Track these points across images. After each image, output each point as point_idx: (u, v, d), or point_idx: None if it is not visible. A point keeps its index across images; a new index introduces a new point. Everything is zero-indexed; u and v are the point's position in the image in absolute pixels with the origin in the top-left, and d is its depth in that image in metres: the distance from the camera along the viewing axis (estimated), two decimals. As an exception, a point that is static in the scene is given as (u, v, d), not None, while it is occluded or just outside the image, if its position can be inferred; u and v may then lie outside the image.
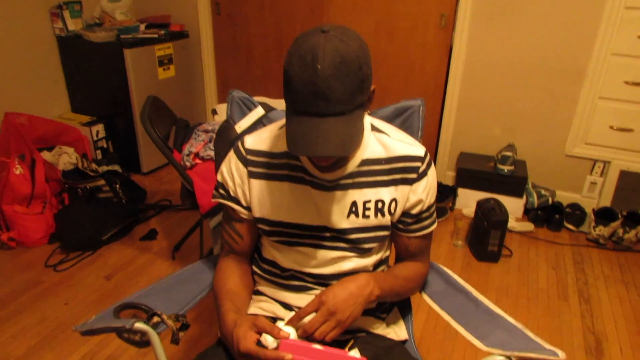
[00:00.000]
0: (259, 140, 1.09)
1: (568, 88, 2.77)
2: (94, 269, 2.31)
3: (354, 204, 1.05)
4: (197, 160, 1.89)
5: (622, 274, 2.38)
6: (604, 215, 2.68)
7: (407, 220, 1.10)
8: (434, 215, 1.15)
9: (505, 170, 2.78)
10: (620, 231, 2.60)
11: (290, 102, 0.87)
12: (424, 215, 1.11)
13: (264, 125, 1.31)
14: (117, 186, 2.63)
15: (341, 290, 0.97)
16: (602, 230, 2.61)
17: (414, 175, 1.05)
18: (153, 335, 0.99)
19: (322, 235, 1.07)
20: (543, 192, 2.86)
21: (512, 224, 2.72)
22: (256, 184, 1.08)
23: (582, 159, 2.88)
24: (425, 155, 1.07)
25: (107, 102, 3.13)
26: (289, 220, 1.07)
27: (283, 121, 1.11)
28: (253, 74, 3.50)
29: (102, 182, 2.61)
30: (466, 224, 2.70)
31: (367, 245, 1.08)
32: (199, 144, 1.89)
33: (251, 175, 1.08)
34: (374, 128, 1.07)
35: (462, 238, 2.59)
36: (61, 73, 3.17)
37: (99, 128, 3.09)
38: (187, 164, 1.86)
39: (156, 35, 3.07)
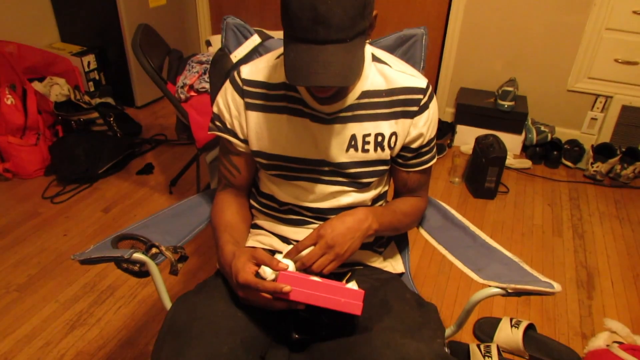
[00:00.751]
0: (255, 70, 1.04)
1: (574, 18, 2.65)
2: (91, 202, 2.32)
3: (353, 137, 1.02)
4: (192, 93, 1.83)
5: (617, 209, 2.41)
6: (602, 152, 2.67)
7: (407, 154, 1.08)
8: (434, 150, 1.13)
9: (506, 106, 2.73)
10: (618, 167, 2.60)
11: (288, 27, 0.82)
12: (424, 149, 1.09)
13: (261, 54, 1.25)
14: (111, 119, 2.58)
15: (339, 223, 0.96)
16: (600, 167, 2.61)
17: (415, 108, 1.02)
18: (152, 266, 1.00)
19: (320, 169, 1.05)
20: (542, 128, 2.83)
21: (510, 160, 2.71)
22: (253, 116, 1.04)
23: (584, 94, 2.83)
24: (427, 87, 1.03)
25: (97, 31, 3.00)
26: (287, 154, 1.05)
27: (280, 50, 1.05)
28: (248, 3, 3.34)
29: (95, 114, 2.55)
30: (464, 161, 2.69)
31: (366, 180, 1.06)
32: (193, 76, 1.82)
33: (248, 107, 1.04)
34: (375, 58, 1.03)
35: (459, 175, 2.59)
36: (48, 0, 3.02)
37: (90, 59, 2.99)
38: (182, 96, 1.80)
39: (145, -42, 2.89)
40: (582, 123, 2.90)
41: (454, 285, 1.88)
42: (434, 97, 1.06)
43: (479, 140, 2.48)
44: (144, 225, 1.15)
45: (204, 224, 1.22)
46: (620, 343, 1.53)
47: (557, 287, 0.93)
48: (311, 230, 1.10)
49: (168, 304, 1.03)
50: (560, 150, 2.77)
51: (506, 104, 2.72)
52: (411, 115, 1.02)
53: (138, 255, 0.98)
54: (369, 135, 1.03)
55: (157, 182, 2.47)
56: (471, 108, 2.79)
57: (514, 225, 2.25)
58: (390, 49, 1.23)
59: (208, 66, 1.86)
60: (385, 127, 1.03)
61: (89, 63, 2.99)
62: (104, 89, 3.06)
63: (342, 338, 0.89)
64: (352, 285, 0.90)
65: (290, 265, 0.92)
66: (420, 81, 1.03)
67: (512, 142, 2.79)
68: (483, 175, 2.38)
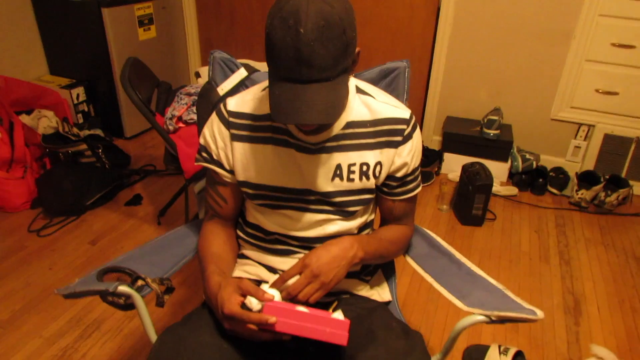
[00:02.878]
0: (241, 102, 1.07)
1: (555, 50, 2.74)
2: (78, 234, 2.30)
3: (339, 167, 1.04)
4: (181, 124, 1.85)
5: (602, 236, 2.43)
6: (586, 179, 2.72)
7: (392, 183, 1.10)
8: (419, 178, 1.15)
9: (491, 134, 2.78)
10: (602, 194, 2.65)
11: (273, 67, 0.85)
12: (409, 178, 1.11)
13: (247, 87, 1.28)
14: (100, 151, 2.58)
15: (325, 252, 0.97)
16: (585, 194, 2.65)
17: (399, 138, 1.05)
18: (137, 298, 0.99)
19: (306, 198, 1.06)
20: (528, 156, 2.88)
21: (496, 188, 2.74)
22: (239, 146, 1.06)
23: (567, 122, 2.89)
24: (411, 117, 1.06)
25: (87, 64, 3.03)
26: (272, 184, 1.06)
27: (266, 83, 1.08)
28: (237, 36, 3.41)
29: (84, 146, 2.56)
30: (451, 189, 2.72)
31: (351, 209, 1.08)
32: (182, 108, 1.85)
33: (234, 138, 1.06)
34: (359, 90, 1.06)
35: (447, 202, 2.62)
36: (37, 33, 3.05)
37: (79, 91, 3.01)
38: (170, 127, 1.82)
39: (136, -6, 2.95)
40: (566, 151, 2.96)
41: (443, 312, 1.88)
42: (417, 127, 1.09)
43: (465, 168, 2.52)
44: (130, 257, 1.15)
45: (191, 255, 1.22)
46: (609, 370, 1.53)
47: (539, 314, 0.94)
48: (297, 260, 1.11)
49: (153, 337, 1.02)
50: (546, 177, 2.82)
51: (492, 132, 2.77)
52: (395, 144, 1.05)
53: (123, 288, 0.98)
54: (354, 164, 1.05)
55: (145, 213, 2.46)
56: (458, 136, 2.84)
57: (501, 252, 2.27)
58: (374, 81, 1.27)
59: (196, 98, 1.89)
60: (370, 157, 1.05)
61: (77, 95, 3.01)
62: (92, 120, 3.08)
63: (328, 368, 0.88)
64: (338, 314, 0.90)
65: (277, 296, 0.92)
66: (404, 112, 1.05)
67: (499, 169, 2.84)
68: (470, 202, 2.41)
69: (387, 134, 1.04)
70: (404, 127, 1.05)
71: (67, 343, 1.70)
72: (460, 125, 2.95)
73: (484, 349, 1.64)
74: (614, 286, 2.08)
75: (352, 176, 1.05)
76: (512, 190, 2.78)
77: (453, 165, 2.91)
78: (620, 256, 2.28)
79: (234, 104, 1.06)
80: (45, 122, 2.58)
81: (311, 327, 0.86)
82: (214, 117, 1.09)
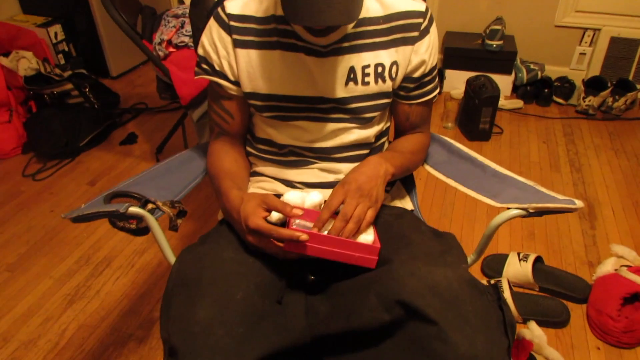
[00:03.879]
0: (241, 4, 0.96)
1: (561, -51, 2.58)
2: (75, 176, 2.22)
3: (352, 69, 0.96)
4: (171, 49, 1.73)
5: (611, 141, 2.39)
6: (593, 85, 2.63)
7: (409, 85, 1.02)
8: (436, 79, 1.07)
9: (494, 46, 2.66)
10: (610, 100, 2.58)
11: None
12: (427, 79, 1.03)
13: (244, -11, 1.16)
14: (87, 90, 2.45)
15: (359, 174, 0.90)
16: (592, 101, 2.57)
17: (415, 34, 0.96)
18: (150, 220, 0.94)
19: (319, 107, 0.98)
20: (532, 66, 2.77)
21: (501, 102, 2.66)
22: (243, 54, 0.96)
23: (571, 28, 2.77)
24: (427, 10, 0.97)
25: (61, -2, 2.83)
26: (282, 93, 0.98)
27: (266, -19, 0.97)
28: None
29: (69, 86, 2.42)
30: (455, 106, 2.64)
31: (368, 115, 1.00)
32: (170, 31, 1.72)
33: (237, 44, 0.96)
34: None
35: (452, 120, 2.54)
36: (3, -33, 2.83)
37: (57, 29, 2.82)
38: (161, 53, 1.70)
39: None
40: (571, 59, 2.86)
41: (458, 226, 1.86)
42: (434, 21, 0.99)
43: (470, 82, 2.42)
44: (136, 183, 1.08)
45: (201, 177, 1.15)
46: (628, 267, 1.52)
47: (578, 203, 0.89)
48: (315, 171, 1.05)
49: (172, 259, 0.98)
50: (551, 87, 2.73)
51: (495, 43, 2.65)
52: (412, 41, 0.96)
53: (135, 210, 0.92)
54: (368, 66, 0.96)
55: (142, 151, 2.38)
56: (459, 51, 2.72)
57: (511, 164, 2.22)
58: (383, -27, 1.14)
59: (185, 19, 1.75)
60: (385, 57, 0.96)
61: (55, 34, 2.83)
62: (74, 60, 2.91)
63: (360, 274, 0.84)
64: (369, 234, 0.85)
65: (312, 199, 0.87)
66: (419, 4, 0.96)
67: (503, 82, 2.73)
68: (477, 116, 2.33)
69: (402, 29, 0.95)
70: (420, 20, 0.95)
71: (79, 282, 1.67)
72: (460, 39, 2.82)
73: (503, 257, 1.63)
74: (627, 189, 2.05)
75: (367, 79, 0.97)
76: (518, 103, 2.70)
77: (455, 82, 2.81)
78: (631, 159, 2.25)
79: (233, 6, 0.96)
80: (25, 63, 2.43)
81: (340, 251, 0.82)
82: (212, 22, 0.98)
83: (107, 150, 2.39)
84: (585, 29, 2.75)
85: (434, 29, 1.00)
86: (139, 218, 0.94)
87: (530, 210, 0.89)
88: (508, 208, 0.92)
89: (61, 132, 2.30)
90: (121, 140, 2.45)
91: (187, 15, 1.76)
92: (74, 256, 1.78)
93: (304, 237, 0.77)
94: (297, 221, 0.90)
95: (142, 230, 1.00)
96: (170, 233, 1.57)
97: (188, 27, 1.72)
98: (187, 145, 2.15)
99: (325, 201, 0.89)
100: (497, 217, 0.91)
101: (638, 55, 2.72)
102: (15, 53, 2.54)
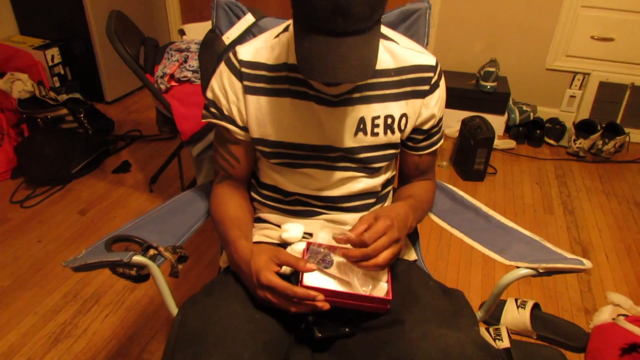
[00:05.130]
0: (253, 51, 0.96)
1: (551, -3, 2.66)
2: (65, 204, 2.17)
3: (362, 120, 0.96)
4: (173, 83, 1.72)
5: (602, 184, 2.43)
6: (583, 128, 2.69)
7: (418, 137, 1.03)
8: (442, 129, 1.09)
9: (488, 87, 2.71)
10: (600, 143, 2.63)
11: (303, 16, 0.74)
12: (434, 130, 1.04)
13: (255, 35, 1.17)
14: (82, 115, 2.43)
15: (390, 210, 0.88)
16: (582, 143, 2.62)
17: (426, 87, 0.97)
18: (154, 269, 0.91)
19: (328, 155, 0.98)
20: (525, 108, 2.83)
21: (495, 142, 2.69)
22: (253, 100, 0.96)
23: (562, 72, 2.84)
24: (437, 64, 0.98)
25: (61, 22, 2.82)
26: (291, 140, 0.97)
27: (278, 29, 0.98)
28: (219, -11, 3.21)
29: (64, 111, 2.40)
30: (450, 145, 2.66)
31: (376, 165, 1.00)
32: (173, 65, 1.71)
33: (247, 90, 0.96)
34: (381, 35, 0.96)
35: (446, 158, 2.56)
36: (3, -11, 2.82)
37: (54, 52, 2.81)
38: (162, 87, 1.69)
39: (108, -56, 2.72)
40: (562, 101, 2.92)
41: (454, 269, 1.85)
42: (443, 75, 1.01)
43: (465, 122, 2.45)
44: (137, 226, 1.06)
45: (202, 220, 1.13)
46: (625, 315, 1.53)
47: (587, 263, 0.90)
48: (322, 221, 1.03)
49: (174, 310, 0.95)
50: (543, 129, 2.78)
51: (489, 84, 2.70)
52: (422, 95, 0.97)
53: (138, 258, 0.89)
54: (378, 117, 0.96)
55: (135, 181, 2.34)
56: (454, 91, 2.76)
57: (506, 205, 2.24)
58: (394, 25, 1.17)
59: (188, 54, 1.76)
60: (395, 109, 0.97)
61: (52, 57, 2.81)
62: (70, 84, 2.89)
63: (370, 333, 0.82)
64: (382, 287, 0.85)
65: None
66: (430, 58, 0.97)
67: (496, 123, 2.77)
68: (472, 157, 2.35)
69: (412, 83, 0.96)
70: (431, 74, 0.97)
71: (65, 319, 1.61)
72: (455, 79, 2.87)
73: (501, 303, 1.62)
74: (619, 233, 2.08)
75: (376, 130, 0.97)
76: (510, 143, 2.74)
77: (449, 120, 2.84)
78: (622, 203, 2.28)
79: (245, 52, 0.96)
80: (20, 85, 2.40)
81: (352, 303, 0.82)
82: (223, 68, 0.98)
83: (100, 179, 2.36)
84: (575, 73, 2.82)
85: (443, 83, 1.01)
86: (141, 266, 0.92)
87: (540, 271, 0.88)
88: (517, 267, 0.92)
89: (53, 158, 2.26)
90: (114, 168, 2.42)
91: (190, 50, 1.76)
92: (60, 291, 1.72)
93: (320, 297, 0.76)
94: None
95: (143, 277, 0.97)
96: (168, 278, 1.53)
97: (191, 62, 1.72)
98: (183, 178, 2.13)
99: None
100: (506, 276, 0.91)
101: (625, 100, 2.79)
102: (10, 75, 2.52)
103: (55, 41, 2.84)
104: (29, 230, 2.01)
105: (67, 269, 1.78)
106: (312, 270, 0.81)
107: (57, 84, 2.87)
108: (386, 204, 1.11)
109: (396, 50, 0.96)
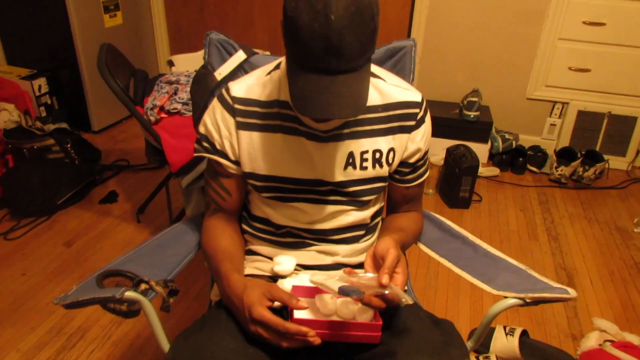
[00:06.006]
0: (246, 88, 0.99)
1: (530, 30, 2.76)
2: (50, 236, 2.15)
3: (351, 154, 0.99)
4: (163, 114, 1.74)
5: (584, 210, 2.48)
6: (564, 155, 2.76)
7: (404, 169, 1.06)
8: (428, 161, 1.12)
9: (472, 116, 2.78)
10: (580, 170, 2.69)
11: (297, 55, 0.77)
12: (420, 163, 1.08)
13: (246, 71, 1.20)
14: (69, 146, 2.42)
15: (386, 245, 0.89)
16: (564, 170, 2.69)
17: (412, 123, 1.00)
18: (146, 304, 0.91)
19: (318, 189, 1.00)
20: (507, 136, 2.90)
21: (479, 169, 2.74)
22: (245, 135, 0.98)
23: (542, 101, 2.93)
24: (423, 100, 1.02)
25: (48, 53, 2.84)
26: (282, 175, 0.99)
27: (269, 67, 1.01)
28: (207, 22, 3.27)
29: (51, 141, 2.39)
30: (436, 173, 2.71)
31: (365, 198, 1.03)
32: (163, 97, 1.73)
33: (240, 126, 0.98)
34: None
35: (432, 186, 2.60)
36: (-10, 20, 2.83)
37: (41, 82, 2.81)
38: (152, 118, 1.71)
39: (98, -22, 2.77)
40: (542, 129, 3.00)
41: (443, 297, 1.86)
42: (428, 110, 1.05)
43: (450, 151, 2.50)
44: (128, 260, 1.06)
45: (193, 253, 1.13)
46: (611, 341, 1.55)
47: (572, 292, 0.92)
48: (312, 253, 1.05)
49: (166, 345, 0.94)
50: (525, 156, 2.85)
51: (472, 114, 2.77)
52: (408, 129, 1.00)
53: (130, 294, 0.89)
54: (366, 152, 0.99)
55: (122, 211, 2.33)
56: (439, 120, 2.82)
57: (491, 232, 2.27)
58: (380, 62, 1.21)
59: (178, 86, 1.78)
60: (383, 143, 1.00)
61: (39, 87, 2.81)
62: (57, 113, 2.89)
63: (363, 366, 0.83)
64: (369, 313, 0.86)
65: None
66: (415, 95, 1.01)
67: (480, 150, 2.83)
68: (457, 185, 2.40)
69: (399, 118, 0.99)
70: (417, 110, 1.00)
71: (49, 355, 1.58)
72: (439, 108, 2.94)
73: (490, 330, 1.62)
74: (602, 258, 2.12)
75: (365, 164, 1.00)
76: (494, 170, 2.79)
77: (435, 149, 2.90)
78: (604, 229, 2.33)
79: (238, 89, 0.98)
80: (6, 115, 2.40)
81: (344, 333, 0.83)
82: (215, 103, 1.00)
83: (86, 209, 2.34)
84: (555, 102, 2.92)
85: (428, 118, 1.05)
86: (132, 301, 0.92)
87: (528, 300, 0.90)
88: (505, 296, 0.93)
89: (39, 189, 2.24)
90: (101, 198, 2.40)
91: (180, 82, 1.79)
92: (45, 326, 1.69)
93: (311, 332, 0.77)
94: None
95: (134, 312, 0.96)
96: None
97: (181, 94, 1.74)
98: (171, 208, 2.12)
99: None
100: (494, 306, 0.92)
101: (603, 128, 2.88)
102: (-4, 106, 2.51)
103: (42, 71, 2.85)
104: (12, 263, 1.98)
105: (52, 303, 1.77)
106: (304, 308, 0.82)
107: (44, 114, 2.87)
108: (375, 235, 1.12)
109: (383, 87, 0.99)
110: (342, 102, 0.77)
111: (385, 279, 0.80)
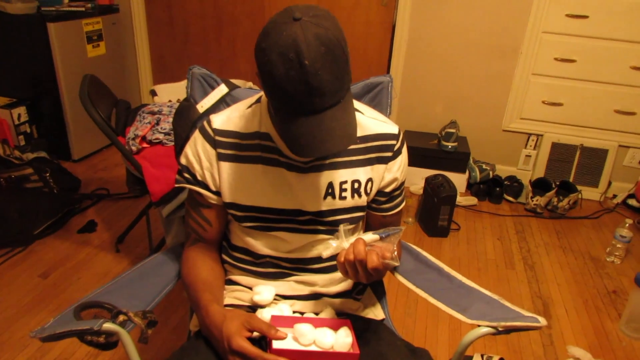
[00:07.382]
0: (227, 120, 1.02)
1: (505, 65, 2.87)
2: (26, 267, 2.11)
3: (330, 185, 1.01)
4: (144, 144, 1.75)
5: (559, 239, 2.54)
6: (539, 186, 2.84)
7: (380, 198, 1.09)
8: (404, 192, 1.15)
9: (450, 147, 2.85)
10: (555, 200, 2.77)
11: (281, 104, 0.81)
12: (396, 193, 1.11)
13: (228, 104, 1.23)
14: (47, 174, 2.41)
15: None
16: (539, 200, 2.76)
17: (389, 154, 1.04)
18: (124, 336, 0.91)
19: (298, 219, 1.03)
20: (484, 166, 2.97)
21: (457, 199, 2.80)
22: (226, 167, 1.01)
23: (517, 133, 3.03)
24: (399, 133, 1.06)
25: (29, 82, 2.84)
26: (262, 205, 1.01)
27: (251, 100, 1.04)
28: (191, 53, 3.32)
29: (29, 170, 2.38)
30: (415, 201, 2.75)
31: (344, 227, 1.05)
32: (145, 127, 1.75)
33: (220, 157, 1.00)
34: None
35: (412, 215, 2.64)
36: (-29, 50, 2.84)
37: (21, 111, 2.81)
38: (134, 148, 1.72)
39: (83, 9, 2.81)
40: (518, 160, 3.09)
41: (422, 325, 1.87)
42: (405, 142, 1.09)
43: (428, 181, 2.56)
44: (106, 291, 1.06)
45: (172, 284, 1.13)
46: (586, 371, 1.57)
47: (542, 321, 0.95)
48: (291, 283, 1.07)
49: (143, 377, 0.94)
50: (502, 186, 2.92)
51: (450, 144, 2.84)
52: (385, 160, 1.04)
53: (109, 326, 0.89)
54: (345, 182, 1.02)
55: (101, 241, 2.31)
56: (418, 150, 2.89)
57: (469, 261, 2.31)
58: (358, 96, 1.25)
59: (160, 116, 1.80)
60: (361, 174, 1.03)
61: (19, 115, 2.80)
62: (36, 142, 2.87)
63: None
64: (346, 334, 0.88)
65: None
66: (392, 127, 1.05)
67: (458, 180, 2.90)
68: (436, 214, 2.44)
69: (377, 150, 1.03)
70: (394, 142, 1.04)
71: (22, 389, 1.54)
72: (418, 138, 3.01)
73: (468, 359, 1.64)
74: (577, 287, 2.16)
75: (344, 194, 1.03)
76: (472, 200, 2.85)
77: (414, 178, 2.95)
78: (578, 258, 2.38)
79: (219, 121, 1.01)
80: (-16, 145, 2.38)
81: None
82: (197, 135, 1.03)
83: (64, 239, 2.31)
84: (530, 134, 3.01)
85: (404, 150, 1.09)
86: (110, 333, 0.91)
87: (500, 329, 0.93)
88: (478, 325, 0.96)
89: (16, 219, 2.21)
90: (79, 228, 2.38)
91: (162, 112, 1.81)
92: (20, 359, 1.65)
93: None
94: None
95: (111, 344, 0.96)
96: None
97: (164, 125, 1.76)
98: (151, 237, 2.11)
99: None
100: (468, 334, 0.95)
101: (576, 160, 2.98)
102: (-25, 135, 2.50)
103: (22, 99, 2.85)
104: (-14, 295, 1.94)
105: (27, 336, 1.73)
106: (282, 338, 0.83)
107: (23, 142, 2.86)
108: None
109: (362, 120, 1.03)
110: (334, 136, 0.80)
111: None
